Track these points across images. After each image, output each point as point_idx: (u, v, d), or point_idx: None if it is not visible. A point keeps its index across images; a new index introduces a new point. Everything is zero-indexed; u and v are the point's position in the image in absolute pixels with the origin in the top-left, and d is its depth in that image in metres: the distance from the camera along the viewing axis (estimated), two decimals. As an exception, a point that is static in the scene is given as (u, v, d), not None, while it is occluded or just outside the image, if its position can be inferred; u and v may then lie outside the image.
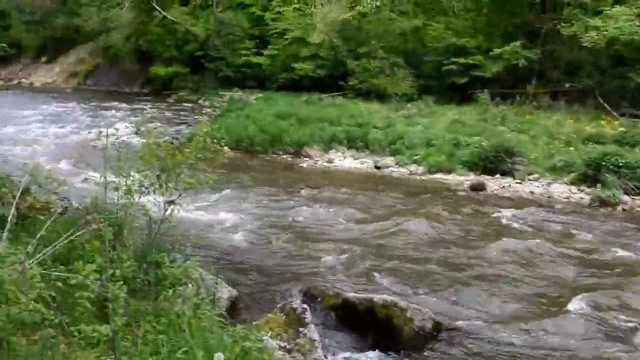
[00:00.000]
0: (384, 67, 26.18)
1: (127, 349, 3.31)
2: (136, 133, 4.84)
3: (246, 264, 8.16)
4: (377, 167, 15.85)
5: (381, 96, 24.97)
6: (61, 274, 3.07)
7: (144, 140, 4.72)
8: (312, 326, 5.37)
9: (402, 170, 15.61)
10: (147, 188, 4.70)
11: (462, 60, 23.82)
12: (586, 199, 12.75)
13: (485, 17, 25.80)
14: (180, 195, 4.65)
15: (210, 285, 5.75)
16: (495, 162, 14.73)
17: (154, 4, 36.30)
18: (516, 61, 22.53)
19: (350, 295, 6.60)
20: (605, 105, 20.31)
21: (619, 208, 12.14)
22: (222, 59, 33.63)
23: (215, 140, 4.81)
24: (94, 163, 5.66)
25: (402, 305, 6.27)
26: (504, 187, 13.80)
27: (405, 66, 26.25)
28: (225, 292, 6.33)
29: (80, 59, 46.06)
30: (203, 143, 4.60)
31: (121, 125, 21.13)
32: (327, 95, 26.22)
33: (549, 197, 13.17)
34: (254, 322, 5.58)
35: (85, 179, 5.21)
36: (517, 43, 22.62)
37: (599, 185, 12.88)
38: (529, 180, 14.20)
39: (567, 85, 22.65)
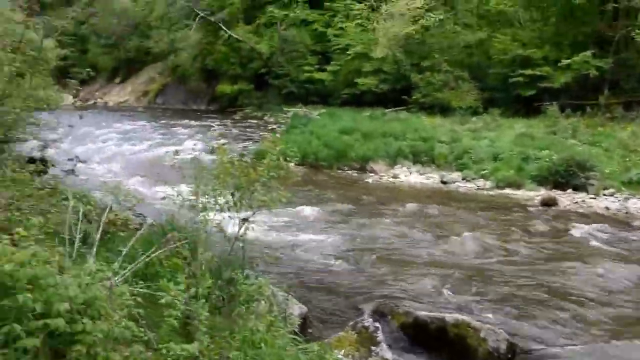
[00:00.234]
0: (448, 81, 25.95)
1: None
2: (211, 152, 4.98)
3: (314, 281, 8.18)
4: (444, 182, 15.66)
5: (445, 110, 24.74)
6: (148, 291, 3.19)
7: (219, 159, 4.86)
8: (384, 345, 5.34)
9: (469, 185, 15.36)
10: (221, 206, 4.83)
11: (528, 71, 23.32)
12: (668, 215, 12.16)
13: (553, 27, 25.11)
14: (254, 213, 4.75)
15: (281, 302, 5.81)
16: (566, 177, 14.28)
17: (220, 24, 37.33)
18: (586, 71, 21.81)
19: (421, 313, 6.50)
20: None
21: None
22: (286, 75, 34.22)
23: (287, 159, 4.89)
24: (167, 180, 5.87)
25: (475, 325, 6.12)
26: (577, 202, 13.33)
27: (469, 79, 25.94)
28: (296, 309, 6.37)
29: (150, 78, 47.92)
30: (276, 161, 4.70)
31: (190, 143, 21.89)
32: (390, 109, 26.19)
33: (626, 212, 12.62)
34: (325, 340, 5.61)
35: (163, 197, 5.38)
36: (588, 52, 21.93)
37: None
38: (604, 195, 13.66)
39: (643, 94, 21.75)
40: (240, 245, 4.98)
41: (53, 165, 10.67)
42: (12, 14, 6.87)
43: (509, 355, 6.04)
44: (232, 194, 4.67)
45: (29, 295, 2.23)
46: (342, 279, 8.28)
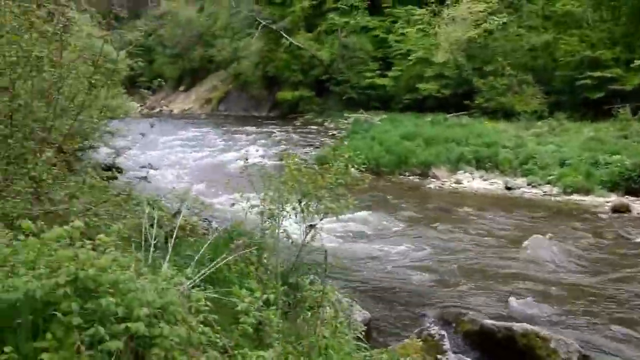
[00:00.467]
0: (512, 85, 25.37)
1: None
2: (280, 160, 5.05)
3: (377, 287, 8.16)
4: (508, 188, 15.30)
5: (508, 114, 24.21)
6: (219, 296, 3.27)
7: (286, 165, 4.92)
8: (451, 354, 5.26)
9: (535, 191, 14.95)
10: (288, 212, 4.89)
11: (597, 73, 22.52)
12: None
13: (624, 27, 24.12)
14: (321, 220, 4.79)
15: (346, 308, 5.83)
16: (640, 182, 13.70)
17: (281, 32, 37.88)
18: (661, 73, 20.87)
19: (488, 322, 6.37)
20: None
21: None
22: (346, 81, 34.35)
23: (355, 166, 4.91)
24: (232, 186, 5.98)
25: (544, 335, 5.94)
26: (652, 209, 12.75)
27: (534, 83, 25.26)
28: (359, 315, 6.38)
29: (213, 86, 49.11)
30: (344, 168, 4.72)
31: (252, 149, 22.28)
32: (452, 114, 25.85)
33: None
34: (390, 347, 5.58)
35: (232, 204, 5.49)
36: (662, 53, 20.99)
37: None
38: (682, 201, 13.02)
39: None
40: (306, 251, 5.02)
41: (120, 171, 11.10)
42: (92, 29, 7.21)
43: (581, 368, 5.84)
44: (300, 201, 4.72)
45: (112, 299, 2.34)
46: (405, 286, 8.22)
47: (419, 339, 5.47)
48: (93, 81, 4.47)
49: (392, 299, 7.67)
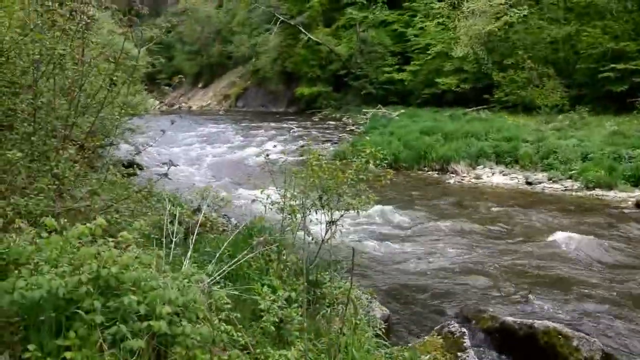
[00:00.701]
0: (532, 78, 25.04)
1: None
2: (300, 155, 5.04)
3: (396, 284, 8.12)
4: (529, 183, 15.12)
5: (529, 108, 23.93)
6: (240, 293, 3.27)
7: (307, 161, 4.90)
8: (472, 351, 5.21)
9: (556, 186, 14.75)
10: (309, 208, 4.88)
11: (621, 66, 22.05)
12: None
13: (651, 17, 23.59)
14: (341, 216, 4.77)
15: (366, 305, 5.80)
16: (666, 177, 13.47)
17: (300, 27, 37.86)
18: (688, 64, 20.40)
19: (508, 319, 6.29)
20: None
21: None
22: (365, 76, 34.23)
23: (378, 162, 4.87)
24: (251, 182, 5.99)
25: (566, 332, 5.84)
26: (678, 204, 12.51)
27: (555, 76, 24.89)
28: (379, 312, 6.34)
29: (231, 82, 49.29)
30: (365, 164, 4.70)
31: (270, 144, 22.32)
32: (471, 109, 25.63)
33: None
34: (409, 344, 5.55)
35: (252, 200, 5.48)
36: (689, 44, 20.52)
37: None
38: None
39: None
40: (327, 247, 5.01)
41: (141, 168, 11.16)
42: (112, 26, 7.26)
43: (604, 367, 5.74)
44: (320, 197, 4.70)
45: (134, 297, 2.35)
46: (425, 282, 8.17)
47: (439, 336, 5.42)
48: (114, 78, 4.50)
49: (411, 296, 7.63)
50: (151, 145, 5.84)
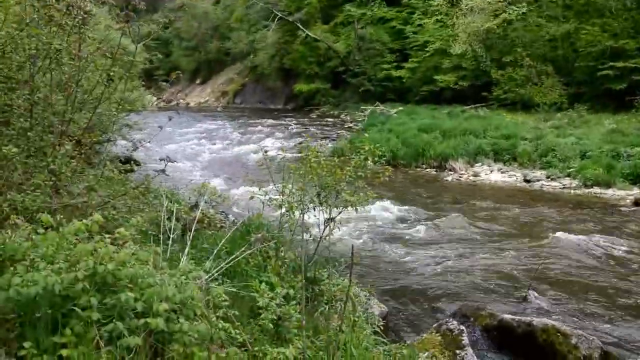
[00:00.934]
0: (531, 76, 25.03)
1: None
2: (298, 152, 5.02)
3: (394, 281, 8.11)
4: (527, 181, 15.13)
5: (527, 106, 23.95)
6: (237, 290, 3.25)
7: (306, 157, 4.87)
8: (470, 349, 5.19)
9: (554, 184, 14.75)
10: (307, 205, 4.86)
11: (620, 64, 22.06)
12: None
13: (650, 15, 23.54)
14: (339, 213, 4.75)
15: (364, 303, 5.79)
16: (664, 175, 13.48)
17: (298, 24, 37.79)
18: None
19: (507, 316, 6.27)
20: None
21: None
22: (363, 73, 34.19)
23: (376, 159, 4.85)
24: (249, 178, 5.96)
25: (565, 330, 5.83)
26: (677, 202, 12.51)
27: (553, 74, 24.89)
28: (377, 310, 6.33)
29: (229, 79, 49.20)
30: (364, 161, 4.67)
31: (269, 141, 22.28)
32: (470, 106, 25.62)
33: None
34: (408, 342, 5.54)
35: (250, 197, 5.45)
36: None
37: None
38: None
39: None
40: (325, 244, 4.98)
41: (138, 164, 11.13)
42: (109, 21, 7.22)
43: (603, 364, 5.72)
44: (318, 194, 4.68)
45: (131, 294, 2.32)
46: (423, 279, 8.16)
47: (438, 334, 5.40)
48: (111, 74, 4.47)
49: (410, 293, 7.62)
50: (148, 142, 5.81)
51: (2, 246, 2.47)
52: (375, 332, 5.00)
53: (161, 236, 3.74)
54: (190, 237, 3.89)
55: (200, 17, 50.97)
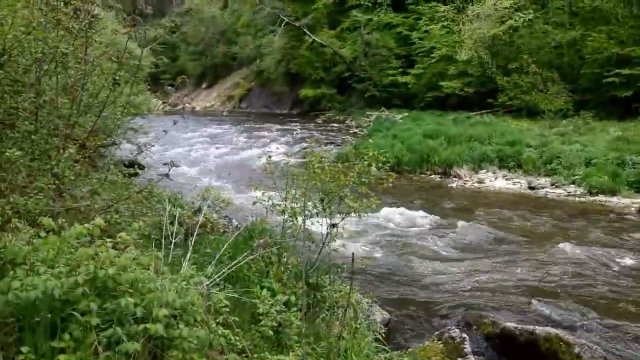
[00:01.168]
0: (537, 83, 25.01)
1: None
2: (302, 158, 5.00)
3: (397, 288, 8.09)
4: (532, 188, 15.07)
5: (533, 113, 23.92)
6: (239, 296, 3.25)
7: (310, 163, 4.87)
8: (472, 357, 5.17)
9: (559, 191, 14.69)
10: (310, 211, 4.85)
11: (626, 71, 22.01)
12: None
13: (657, 22, 23.50)
14: (343, 219, 4.74)
15: (366, 309, 5.77)
16: (671, 183, 13.42)
17: (304, 29, 37.86)
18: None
19: (509, 324, 6.25)
20: None
21: None
22: (369, 79, 34.19)
23: (380, 165, 4.84)
24: (253, 183, 5.95)
25: (568, 339, 5.79)
26: (682, 211, 12.44)
27: (559, 81, 24.87)
28: (379, 316, 6.31)
29: (235, 83, 49.30)
30: (367, 167, 4.67)
31: (274, 146, 22.30)
32: (475, 113, 25.58)
33: None
34: (409, 349, 5.51)
35: (254, 202, 5.44)
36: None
37: None
38: None
39: None
40: (328, 251, 4.98)
41: (142, 168, 11.13)
42: (116, 25, 7.26)
43: (606, 374, 5.68)
44: (322, 200, 4.67)
45: (131, 299, 2.32)
46: (426, 286, 8.13)
47: (440, 342, 5.38)
48: (117, 78, 4.49)
49: (413, 300, 7.59)
50: (153, 145, 5.82)
51: (2, 250, 2.47)
52: (376, 340, 4.98)
53: (163, 241, 3.74)
54: (192, 241, 3.89)
55: (208, 21, 51.15)
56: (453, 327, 5.93)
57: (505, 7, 26.05)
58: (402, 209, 12.39)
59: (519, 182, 15.66)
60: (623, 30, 23.63)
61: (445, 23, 30.69)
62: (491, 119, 23.64)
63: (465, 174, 16.61)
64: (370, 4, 36.28)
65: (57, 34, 4.64)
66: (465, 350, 5.23)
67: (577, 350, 5.68)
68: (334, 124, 31.41)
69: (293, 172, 4.96)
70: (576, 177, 14.93)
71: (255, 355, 2.78)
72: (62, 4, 4.76)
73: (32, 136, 4.44)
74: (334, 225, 4.68)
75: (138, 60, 4.70)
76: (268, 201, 4.94)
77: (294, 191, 4.78)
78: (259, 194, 5.35)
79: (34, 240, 2.58)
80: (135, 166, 7.14)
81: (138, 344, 2.24)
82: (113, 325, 2.25)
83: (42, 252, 2.50)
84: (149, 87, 14.42)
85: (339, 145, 21.66)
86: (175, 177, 12.26)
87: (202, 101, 50.34)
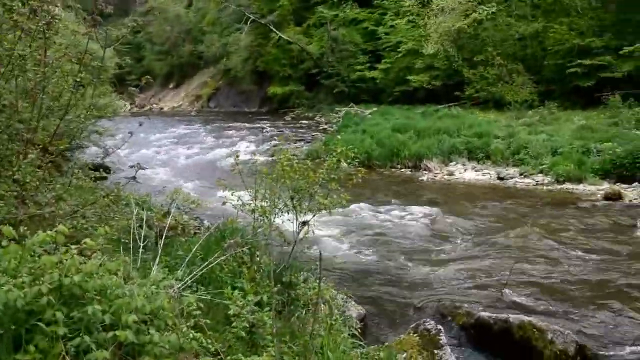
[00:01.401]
0: (502, 75, 25.36)
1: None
2: (271, 156, 4.96)
3: (371, 283, 8.10)
4: (501, 178, 15.28)
5: (499, 105, 24.25)
6: (210, 298, 3.19)
7: (278, 161, 4.83)
8: (448, 348, 5.20)
9: (527, 180, 14.94)
10: (280, 209, 4.81)
11: (587, 61, 22.47)
12: None
13: (614, 14, 23.99)
14: (313, 216, 4.71)
15: (341, 305, 5.76)
16: (632, 170, 13.74)
17: (270, 26, 37.70)
18: (651, 58, 20.78)
19: (483, 314, 6.31)
20: None
21: None
22: (336, 75, 34.23)
23: (349, 160, 4.83)
24: (223, 183, 5.88)
25: (540, 326, 5.88)
26: (644, 196, 12.74)
27: (524, 72, 25.26)
28: (354, 312, 6.30)
29: (202, 83, 48.86)
30: (337, 163, 4.64)
31: (243, 145, 22.16)
32: (443, 106, 25.82)
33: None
34: (386, 343, 5.52)
35: (223, 202, 5.37)
36: (653, 39, 20.88)
37: None
38: (675, 187, 13.02)
39: None
40: (299, 248, 4.95)
41: (109, 172, 10.95)
42: (76, 26, 7.08)
43: (578, 358, 5.78)
44: (292, 197, 4.64)
45: (98, 306, 2.25)
46: (400, 280, 8.16)
47: (416, 334, 5.40)
48: (79, 79, 4.37)
49: (387, 294, 7.61)
50: (119, 148, 5.70)
51: (-39, 261, 2.38)
52: (352, 335, 4.97)
53: (132, 244, 3.66)
54: (162, 244, 3.82)
55: (172, 20, 50.51)
56: (428, 319, 5.96)
57: (469, 1, 26.32)
58: (372, 204, 12.44)
59: (488, 173, 15.87)
60: (583, 21, 24.09)
61: (410, 17, 30.86)
62: (459, 112, 23.88)
63: (435, 166, 16.75)
64: (335, 0, 36.30)
65: (13, 36, 4.49)
66: (441, 341, 5.26)
67: (549, 336, 5.78)
68: (304, 121, 31.36)
69: (262, 170, 4.91)
70: (543, 166, 15.18)
71: (229, 357, 2.74)
72: (19, 4, 4.61)
73: (-8, 142, 4.30)
74: (304, 223, 4.65)
75: (100, 62, 4.59)
76: (237, 201, 4.89)
77: (263, 190, 4.73)
78: (228, 193, 5.28)
79: (-5, 250, 2.49)
80: (102, 170, 7.01)
81: (107, 351, 2.18)
82: (81, 334, 2.18)
83: (4, 262, 2.41)
84: (114, 88, 14.17)
85: (308, 142, 21.64)
86: (144, 180, 12.04)
87: (170, 101, 49.78)
